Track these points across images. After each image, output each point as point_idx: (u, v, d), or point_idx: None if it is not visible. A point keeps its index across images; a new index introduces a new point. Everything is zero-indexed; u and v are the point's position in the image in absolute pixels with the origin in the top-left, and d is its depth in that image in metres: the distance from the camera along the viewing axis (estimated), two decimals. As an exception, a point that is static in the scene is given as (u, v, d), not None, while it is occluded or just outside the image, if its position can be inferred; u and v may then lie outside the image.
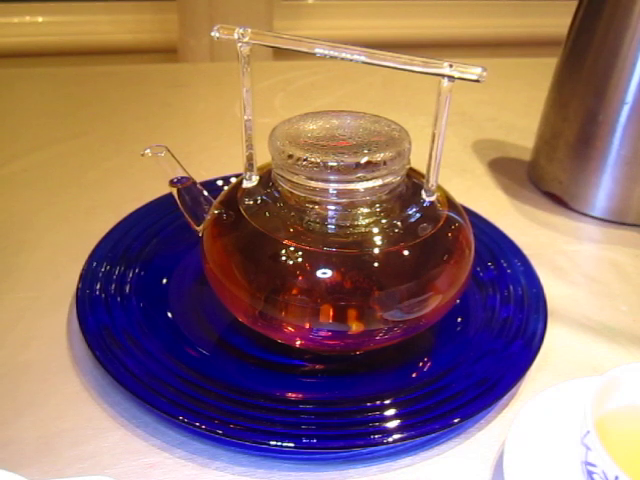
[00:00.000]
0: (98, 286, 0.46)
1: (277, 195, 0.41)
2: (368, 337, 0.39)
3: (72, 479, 0.30)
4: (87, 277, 0.47)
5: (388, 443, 0.37)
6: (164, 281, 0.49)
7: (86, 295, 0.45)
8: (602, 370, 0.36)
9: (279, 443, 0.36)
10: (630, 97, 0.57)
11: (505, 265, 0.51)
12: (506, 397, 0.41)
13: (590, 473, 0.33)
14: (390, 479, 0.37)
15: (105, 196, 0.62)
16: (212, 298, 0.43)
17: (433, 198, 0.41)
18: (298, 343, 0.41)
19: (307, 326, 0.38)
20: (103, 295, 0.46)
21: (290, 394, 0.40)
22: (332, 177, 0.37)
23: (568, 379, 0.40)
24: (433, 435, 0.38)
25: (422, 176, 0.41)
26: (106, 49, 1.29)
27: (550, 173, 0.65)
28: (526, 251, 0.53)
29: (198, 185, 0.44)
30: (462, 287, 0.41)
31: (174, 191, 0.43)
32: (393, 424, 0.38)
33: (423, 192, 0.41)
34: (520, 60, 1.10)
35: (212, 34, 0.38)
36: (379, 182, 0.38)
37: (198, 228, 0.43)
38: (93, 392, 0.41)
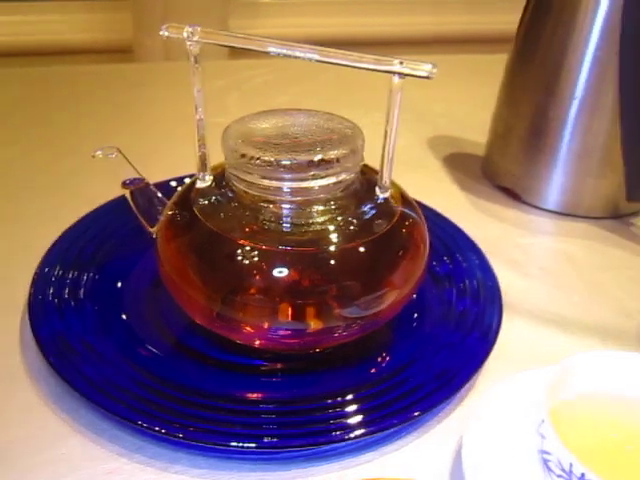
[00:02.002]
0: (51, 291, 0.45)
1: (231, 195, 0.40)
2: (326, 334, 0.39)
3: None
4: (39, 282, 0.46)
5: (350, 439, 0.37)
6: (119, 284, 0.48)
7: (38, 301, 0.44)
8: (557, 360, 0.36)
9: (240, 444, 0.36)
10: (579, 92, 0.58)
11: (460, 259, 0.52)
12: (464, 389, 0.42)
13: (546, 461, 0.33)
14: (352, 475, 0.37)
15: (57, 200, 0.61)
16: (169, 300, 0.42)
17: (387, 194, 0.41)
18: (257, 343, 0.41)
19: (265, 326, 0.38)
20: (56, 300, 0.45)
21: (250, 394, 0.40)
22: (286, 175, 0.37)
23: (524, 369, 0.41)
24: (394, 429, 0.39)
25: (376, 173, 0.42)
26: (58, 49, 1.27)
27: (503, 168, 0.66)
28: (481, 245, 0.53)
29: (151, 186, 0.43)
30: (418, 282, 0.42)
31: (127, 193, 0.43)
32: (354, 420, 0.38)
33: (377, 189, 0.41)
34: (473, 57, 1.12)
35: (161, 33, 0.38)
36: (333, 180, 0.38)
37: (152, 230, 0.43)
38: (48, 400, 0.40)
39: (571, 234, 0.61)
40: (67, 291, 0.46)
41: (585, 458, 0.31)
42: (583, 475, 0.30)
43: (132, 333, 0.43)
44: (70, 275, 0.47)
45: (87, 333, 0.42)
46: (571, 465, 0.31)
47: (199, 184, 0.42)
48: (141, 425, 0.36)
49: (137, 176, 0.43)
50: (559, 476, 0.32)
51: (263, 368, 0.42)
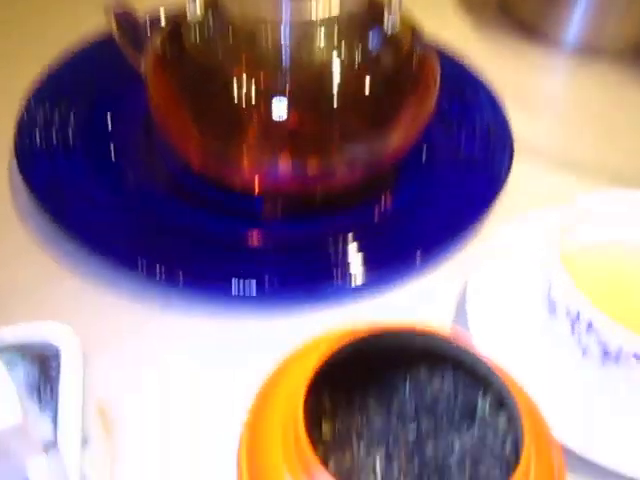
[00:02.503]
0: (37, 135, 0.43)
1: (225, 25, 0.37)
2: (328, 177, 0.37)
3: (23, 326, 0.29)
4: (24, 127, 0.43)
5: (351, 282, 0.36)
6: (110, 125, 0.45)
7: (26, 145, 0.42)
8: (567, 205, 0.35)
9: (241, 286, 0.35)
10: None
11: (472, 100, 0.49)
12: (470, 233, 0.41)
13: (553, 306, 0.32)
14: (354, 316, 0.37)
15: (37, 28, 0.56)
16: (163, 141, 0.40)
17: (396, 26, 0.38)
18: (256, 186, 0.39)
19: (264, 167, 0.36)
20: (44, 144, 0.42)
21: (250, 238, 0.39)
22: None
23: (533, 213, 0.40)
24: (397, 272, 0.38)
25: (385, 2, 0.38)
26: None
27: (521, 4, 0.61)
28: (493, 83, 0.50)
29: (140, 17, 0.40)
30: (426, 122, 0.39)
31: (112, 23, 0.39)
32: (356, 263, 0.37)
33: (385, 20, 0.37)
34: None
35: None
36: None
37: (140, 66, 0.39)
38: (43, 244, 0.39)
39: (588, 74, 0.57)
40: (55, 134, 0.43)
41: (595, 304, 0.30)
42: (591, 321, 0.30)
43: (125, 175, 0.42)
44: (57, 117, 0.44)
45: (78, 176, 0.41)
46: (579, 311, 0.30)
47: (190, 14, 0.38)
48: (139, 269, 0.36)
49: (122, 4, 0.39)
50: (566, 319, 0.31)
51: (263, 211, 0.41)
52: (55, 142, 0.43)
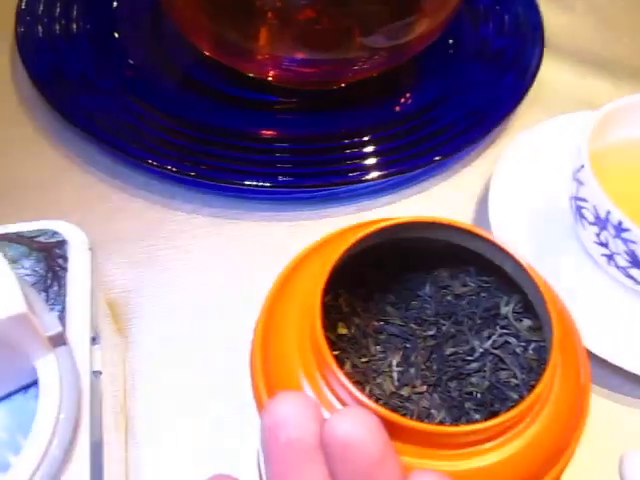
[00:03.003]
0: (39, 25, 0.40)
1: None
2: (347, 65, 0.35)
3: (30, 222, 0.27)
4: (25, 14, 0.40)
5: (366, 181, 0.35)
6: (115, 4, 0.42)
7: (27, 34, 0.39)
8: (598, 106, 0.33)
9: (254, 183, 0.34)
10: None
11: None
12: (493, 133, 0.39)
13: (579, 208, 0.31)
14: (370, 217, 0.35)
15: None
16: (173, 30, 0.38)
17: None
18: (271, 74, 0.37)
19: (280, 53, 0.34)
20: (46, 31, 0.40)
21: (264, 132, 0.37)
22: None
23: (561, 114, 0.38)
24: (414, 173, 0.36)
25: None
26: None
27: None
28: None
29: None
30: (453, 11, 0.36)
31: None
32: (372, 161, 0.36)
33: None
34: None
35: None
36: None
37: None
38: (49, 137, 0.37)
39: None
40: (57, 24, 0.40)
41: (624, 207, 0.29)
42: (620, 223, 0.28)
43: (134, 67, 0.39)
44: (58, 6, 0.41)
45: (85, 66, 0.38)
46: (608, 212, 0.29)
47: None
48: (151, 164, 0.34)
49: None
50: (592, 224, 0.30)
51: (277, 105, 0.39)
52: (57, 29, 0.40)
